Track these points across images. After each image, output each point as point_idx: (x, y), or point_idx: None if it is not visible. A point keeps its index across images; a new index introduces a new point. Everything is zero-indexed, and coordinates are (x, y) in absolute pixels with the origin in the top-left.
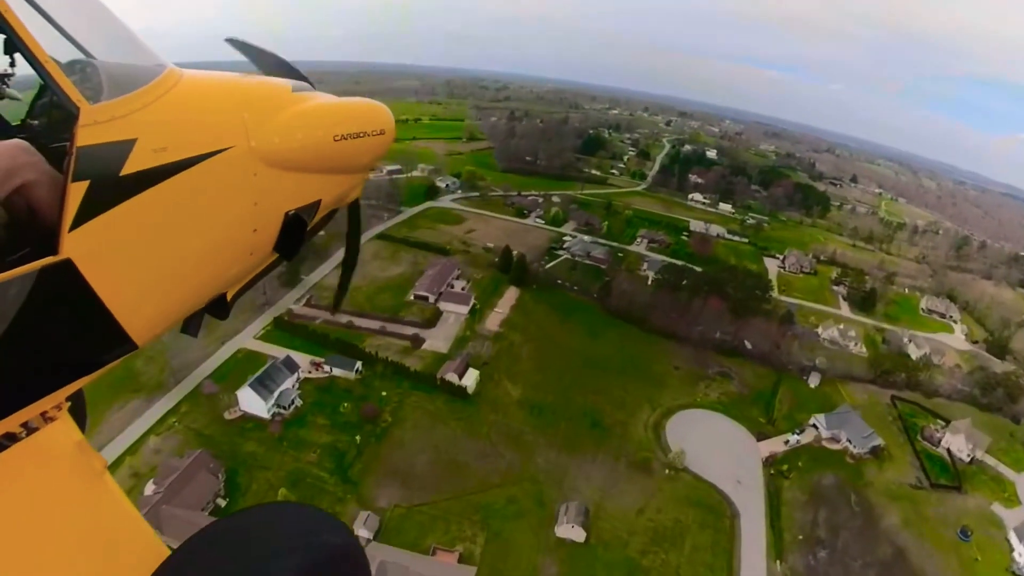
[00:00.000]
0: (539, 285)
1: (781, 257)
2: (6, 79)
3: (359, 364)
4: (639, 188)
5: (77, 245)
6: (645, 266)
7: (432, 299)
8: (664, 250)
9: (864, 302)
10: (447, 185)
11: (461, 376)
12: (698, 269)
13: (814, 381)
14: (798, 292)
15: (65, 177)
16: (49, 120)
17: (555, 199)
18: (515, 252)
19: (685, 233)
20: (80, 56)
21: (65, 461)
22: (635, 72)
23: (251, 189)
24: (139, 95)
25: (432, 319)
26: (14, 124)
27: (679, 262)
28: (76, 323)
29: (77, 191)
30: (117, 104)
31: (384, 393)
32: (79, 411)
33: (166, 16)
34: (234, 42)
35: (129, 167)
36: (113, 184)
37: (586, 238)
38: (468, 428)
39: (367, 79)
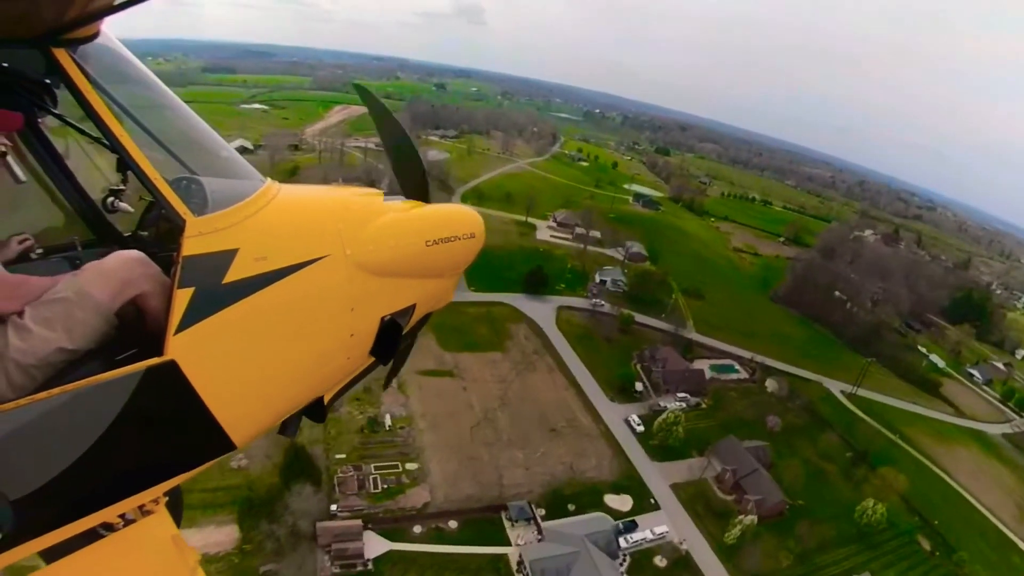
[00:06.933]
0: None
1: None
2: (119, 194)
3: None
4: (996, 430)
5: (181, 347)
6: None
7: None
8: None
9: None
10: (604, 282)
11: None
12: None
13: None
14: None
15: (172, 284)
16: (157, 231)
17: (769, 384)
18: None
19: None
20: (186, 173)
21: (160, 554)
22: None
23: (347, 295)
24: (240, 208)
25: None
26: (126, 235)
27: None
28: (178, 422)
29: (183, 297)
30: (220, 217)
31: None
32: (176, 505)
33: None
34: (360, 89)
35: (231, 275)
36: (217, 291)
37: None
38: None
39: (777, 156)
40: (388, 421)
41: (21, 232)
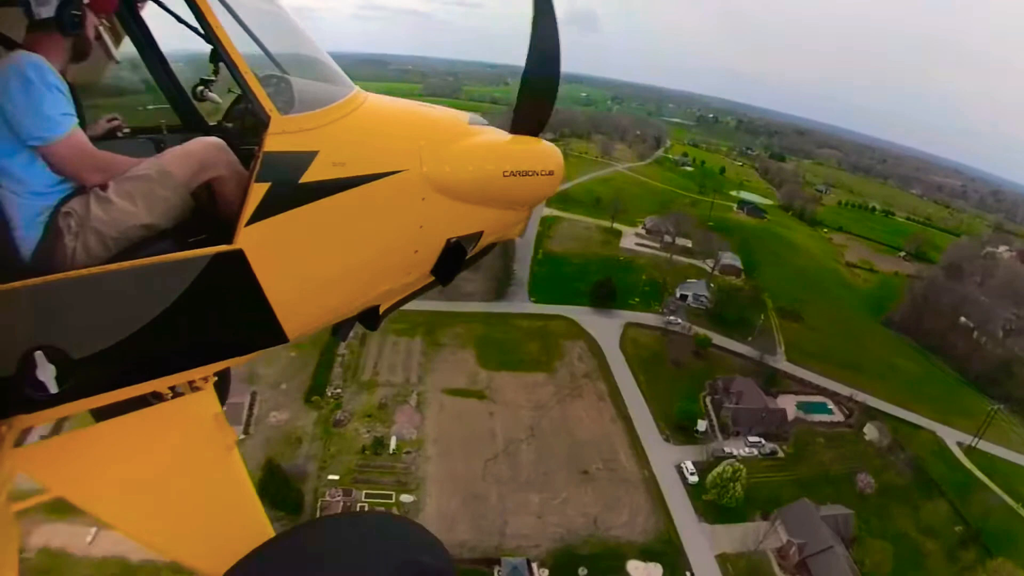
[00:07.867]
0: None
1: None
2: (209, 84)
3: None
4: None
5: (250, 239)
6: None
7: None
8: None
9: None
10: (685, 296)
11: None
12: None
13: None
14: None
15: (249, 177)
16: (242, 124)
17: (868, 431)
18: None
19: None
20: (276, 71)
21: (201, 428)
22: None
23: (418, 212)
24: (325, 112)
25: None
26: (211, 124)
27: None
28: (237, 308)
29: (258, 191)
30: (305, 118)
31: None
32: (223, 387)
33: None
34: None
35: (308, 176)
36: (292, 189)
37: None
38: None
39: (903, 163)
40: (393, 443)
41: (111, 111)
